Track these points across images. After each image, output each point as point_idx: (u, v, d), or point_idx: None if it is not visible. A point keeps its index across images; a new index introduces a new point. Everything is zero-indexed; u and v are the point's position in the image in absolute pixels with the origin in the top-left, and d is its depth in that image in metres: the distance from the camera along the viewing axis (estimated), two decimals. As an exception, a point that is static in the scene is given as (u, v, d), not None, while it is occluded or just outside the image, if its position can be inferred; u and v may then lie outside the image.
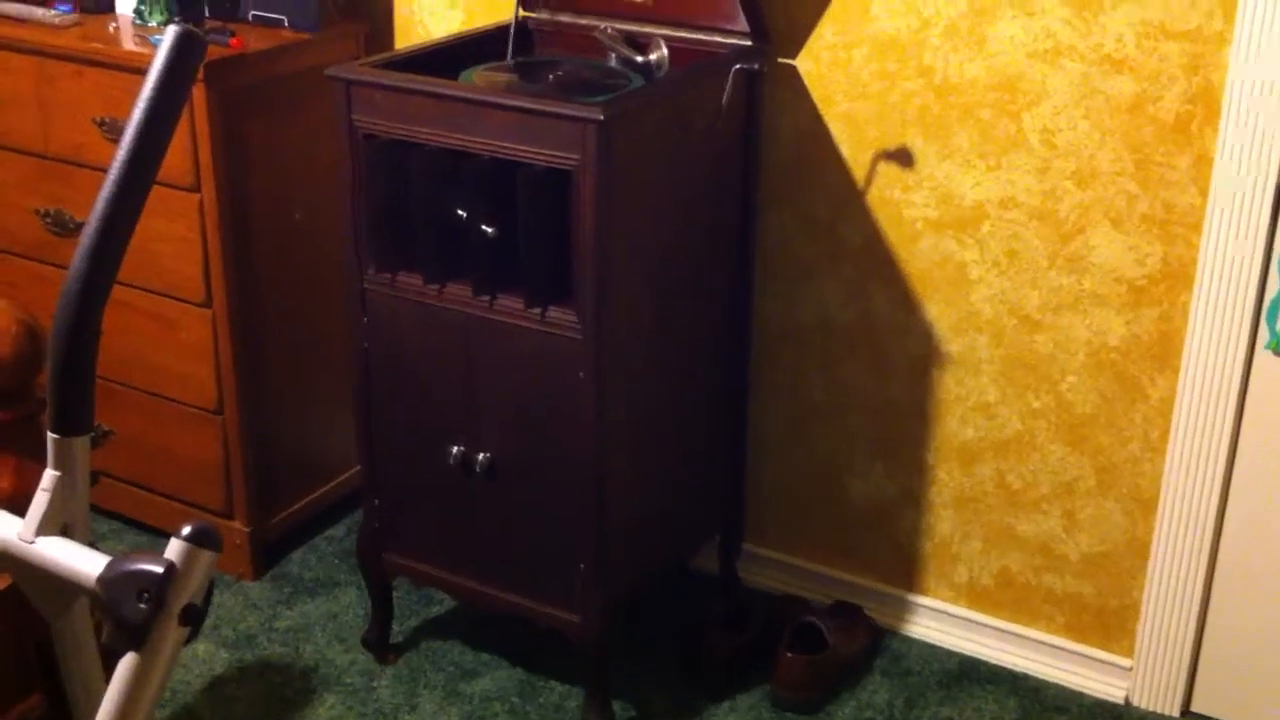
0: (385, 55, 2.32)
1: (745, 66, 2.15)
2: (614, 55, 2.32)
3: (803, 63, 2.35)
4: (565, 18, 2.45)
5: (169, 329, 2.56)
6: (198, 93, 2.36)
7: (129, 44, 2.48)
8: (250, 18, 2.56)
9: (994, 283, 2.30)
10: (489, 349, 2.13)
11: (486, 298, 2.11)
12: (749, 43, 2.28)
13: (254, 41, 2.47)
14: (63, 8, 2.61)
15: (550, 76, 2.24)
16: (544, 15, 2.47)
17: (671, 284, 2.21)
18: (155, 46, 2.44)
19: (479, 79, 2.21)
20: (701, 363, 2.37)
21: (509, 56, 2.38)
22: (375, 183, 2.16)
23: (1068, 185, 2.19)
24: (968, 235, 2.29)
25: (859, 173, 2.36)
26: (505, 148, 2.01)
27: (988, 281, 2.30)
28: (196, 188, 2.42)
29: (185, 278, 2.50)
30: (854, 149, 2.35)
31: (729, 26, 2.29)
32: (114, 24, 2.55)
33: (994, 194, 2.25)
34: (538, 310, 2.07)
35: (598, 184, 1.96)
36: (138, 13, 2.55)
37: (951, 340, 2.36)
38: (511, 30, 2.38)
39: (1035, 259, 2.25)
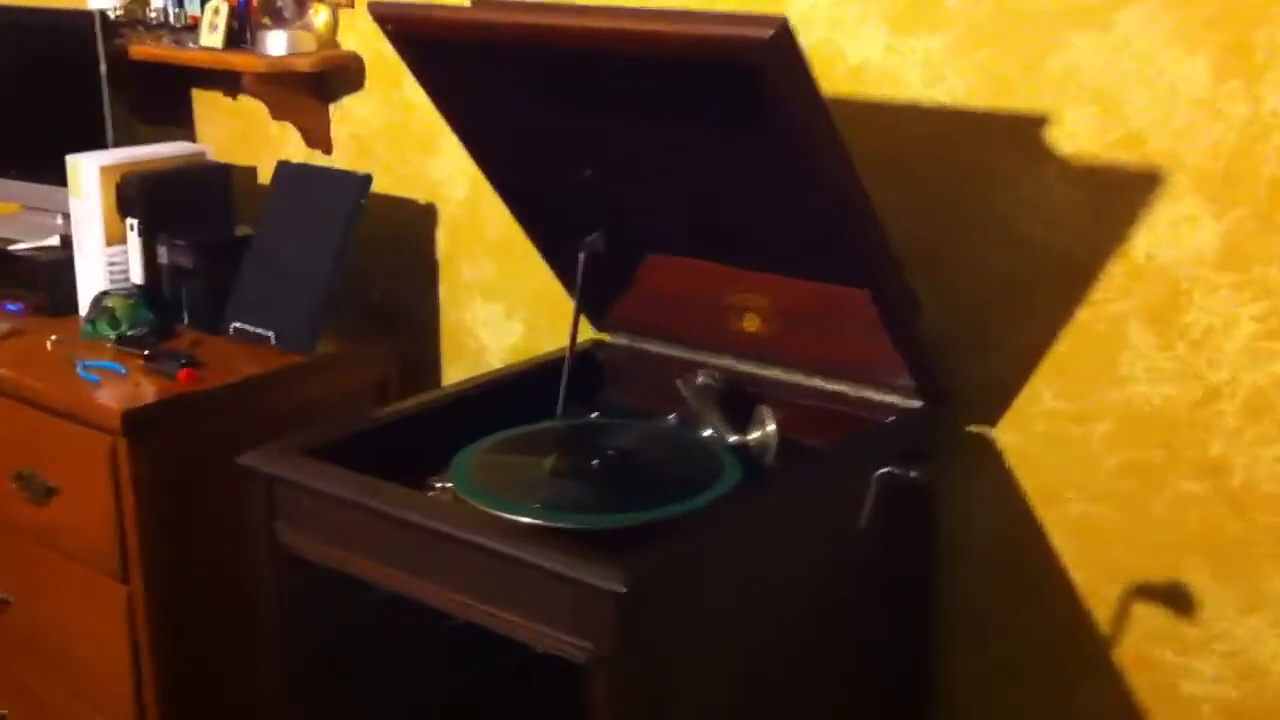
0: (386, 412, 1.56)
1: (895, 472, 1.29)
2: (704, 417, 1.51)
3: (1005, 434, 1.48)
4: (650, 346, 1.65)
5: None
6: (121, 451, 1.66)
7: (56, 374, 1.78)
8: (231, 331, 1.87)
9: (1345, 835, 1.33)
10: None
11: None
12: (915, 403, 1.43)
13: (217, 369, 1.76)
14: (12, 306, 1.99)
15: (596, 461, 1.42)
16: (621, 340, 1.68)
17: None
18: (83, 380, 1.69)
19: (480, 462, 1.41)
20: None
21: (559, 407, 1.58)
22: (306, 628, 1.39)
23: None
24: (1292, 746, 1.34)
25: (1101, 612, 1.45)
26: (479, 610, 1.21)
27: (1333, 831, 1.33)
28: (124, 577, 1.72)
29: (110, 694, 1.77)
30: (1091, 574, 1.45)
31: (883, 378, 1.45)
32: (54, 337, 1.88)
33: (1341, 687, 1.30)
34: None
35: (621, 687, 1.13)
36: (90, 322, 1.89)
37: None
38: (565, 369, 1.58)
39: None
